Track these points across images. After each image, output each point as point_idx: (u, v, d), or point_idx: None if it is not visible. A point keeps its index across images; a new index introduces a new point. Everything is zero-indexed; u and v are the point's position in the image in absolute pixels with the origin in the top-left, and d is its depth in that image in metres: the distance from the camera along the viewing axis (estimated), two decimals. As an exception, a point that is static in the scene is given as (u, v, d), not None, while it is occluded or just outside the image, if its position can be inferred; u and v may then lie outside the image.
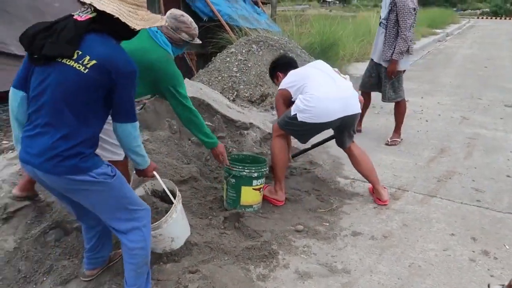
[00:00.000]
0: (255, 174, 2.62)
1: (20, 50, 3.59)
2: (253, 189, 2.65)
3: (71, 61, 1.52)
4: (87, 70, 1.52)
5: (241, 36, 7.34)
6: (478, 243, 2.46)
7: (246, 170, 2.60)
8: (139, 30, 1.65)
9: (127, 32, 1.64)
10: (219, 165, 3.11)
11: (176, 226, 2.18)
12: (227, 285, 2.06)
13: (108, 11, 1.54)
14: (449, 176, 3.39)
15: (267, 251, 2.34)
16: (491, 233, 2.57)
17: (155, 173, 1.96)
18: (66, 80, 1.52)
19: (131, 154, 1.76)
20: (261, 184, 2.68)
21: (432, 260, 2.30)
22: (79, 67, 1.52)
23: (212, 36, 8.33)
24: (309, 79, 2.78)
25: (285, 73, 3.01)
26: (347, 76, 4.86)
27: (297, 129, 2.82)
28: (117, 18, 1.55)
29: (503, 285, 1.43)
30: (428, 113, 5.31)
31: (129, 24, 1.59)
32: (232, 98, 4.94)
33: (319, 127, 2.82)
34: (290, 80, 2.88)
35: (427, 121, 4.95)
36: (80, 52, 1.53)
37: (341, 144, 3.04)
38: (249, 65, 5.25)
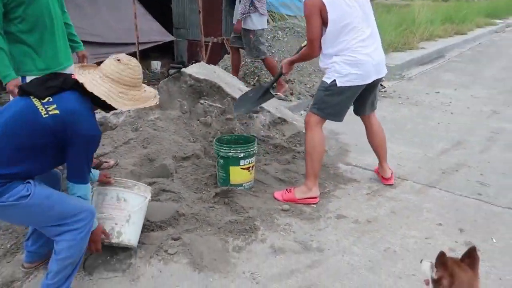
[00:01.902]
0: (242, 154, 2.73)
1: None
2: (241, 168, 2.76)
3: (38, 101, 1.63)
4: (47, 115, 1.60)
5: (277, 23, 7.36)
6: (464, 235, 2.41)
7: (232, 151, 2.72)
8: None
9: (110, 107, 1.75)
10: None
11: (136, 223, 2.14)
12: (202, 252, 2.21)
13: (95, 93, 1.66)
14: (456, 169, 3.30)
15: (249, 226, 2.45)
16: (482, 226, 2.50)
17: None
18: (22, 114, 1.62)
19: None
20: (249, 163, 2.79)
21: (409, 246, 2.30)
22: (41, 109, 1.61)
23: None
24: (353, 24, 2.48)
25: None
26: None
27: (336, 101, 2.61)
28: None
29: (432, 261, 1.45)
30: (457, 105, 5.09)
31: (114, 105, 1.71)
32: (253, 83, 5.05)
33: (356, 92, 2.63)
34: (332, 1, 2.44)
35: (452, 113, 4.76)
36: (51, 99, 1.64)
37: (363, 110, 2.90)
38: (273, 51, 5.32)
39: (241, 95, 3.40)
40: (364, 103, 2.87)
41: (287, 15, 8.52)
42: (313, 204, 2.72)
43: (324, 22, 2.52)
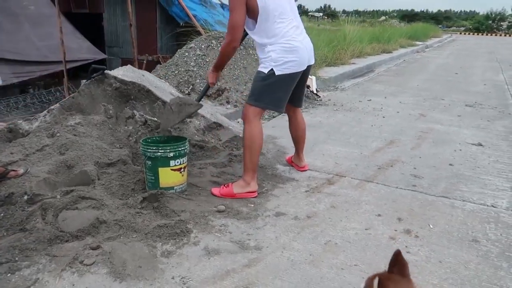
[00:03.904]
0: (171, 154, 2.51)
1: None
2: (172, 169, 2.54)
3: None
4: None
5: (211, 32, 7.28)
6: (403, 223, 2.38)
7: (160, 150, 2.50)
8: None
9: None
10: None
11: None
12: (126, 260, 1.94)
13: None
14: (391, 164, 3.33)
15: (180, 229, 2.22)
16: (418, 214, 2.49)
17: None
18: None
19: None
20: (180, 164, 2.57)
21: (350, 238, 2.20)
22: None
23: (187, 40, 8.31)
24: (282, 14, 2.48)
25: None
26: (313, 77, 4.77)
27: (275, 90, 2.54)
28: None
29: None
30: (387, 110, 5.28)
31: None
32: (187, 92, 4.86)
33: (295, 79, 2.60)
34: None
35: (383, 117, 4.91)
36: None
37: (298, 101, 2.90)
38: (207, 60, 5.20)
39: (163, 110, 3.08)
40: (294, 94, 2.76)
41: (221, 32, 8.52)
42: (252, 198, 2.60)
43: (253, 11, 2.44)
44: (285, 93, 2.63)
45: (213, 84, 2.80)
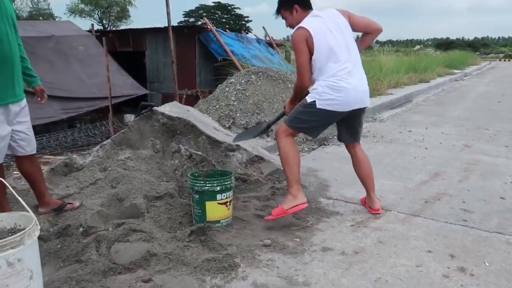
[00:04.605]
0: (218, 188, 2.57)
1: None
2: (218, 203, 2.59)
3: None
4: None
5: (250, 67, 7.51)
6: (456, 260, 2.28)
7: (208, 185, 2.56)
8: None
9: None
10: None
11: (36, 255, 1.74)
12: (177, 294, 1.97)
13: None
14: (438, 198, 3.23)
15: (228, 263, 2.24)
16: (472, 251, 2.39)
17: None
18: None
19: None
20: (226, 198, 2.62)
21: (401, 275, 2.14)
22: None
23: (225, 74, 8.61)
24: (338, 56, 2.58)
25: (304, 9, 2.71)
26: None
27: (313, 119, 2.66)
28: None
29: None
30: (430, 141, 5.17)
31: None
32: (228, 125, 4.99)
33: (335, 117, 2.70)
34: (318, 32, 2.56)
35: (426, 148, 4.81)
36: None
37: (345, 137, 2.92)
38: (247, 94, 5.35)
39: (241, 132, 3.59)
40: (347, 130, 2.89)
41: (258, 66, 8.76)
42: (303, 209, 2.71)
43: (311, 52, 2.61)
44: (320, 125, 2.75)
45: (288, 113, 2.99)
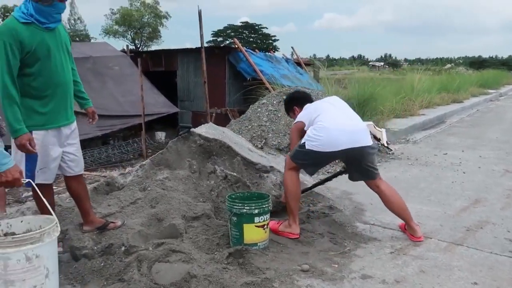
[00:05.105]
0: (256, 211, 2.59)
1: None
2: (256, 226, 2.60)
3: None
4: None
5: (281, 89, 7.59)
6: (504, 294, 2.20)
7: (246, 207, 2.59)
8: None
9: None
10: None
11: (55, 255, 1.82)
12: (218, 318, 1.98)
13: None
14: (480, 226, 3.12)
15: (267, 288, 2.24)
16: (521, 284, 2.29)
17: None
18: None
19: None
20: (264, 221, 2.63)
21: (447, 308, 2.07)
22: None
23: (254, 93, 8.72)
24: (323, 111, 2.91)
25: (301, 107, 3.19)
26: (383, 130, 4.90)
27: (305, 158, 2.86)
28: None
29: None
30: (467, 165, 5.02)
31: None
32: (260, 145, 5.03)
33: (325, 157, 2.87)
34: (305, 113, 3.04)
35: (464, 173, 4.67)
36: None
37: (356, 177, 3.02)
38: (279, 115, 5.39)
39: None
40: (357, 172, 2.95)
41: (288, 86, 8.83)
42: (294, 238, 2.84)
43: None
44: (313, 164, 2.93)
45: None
